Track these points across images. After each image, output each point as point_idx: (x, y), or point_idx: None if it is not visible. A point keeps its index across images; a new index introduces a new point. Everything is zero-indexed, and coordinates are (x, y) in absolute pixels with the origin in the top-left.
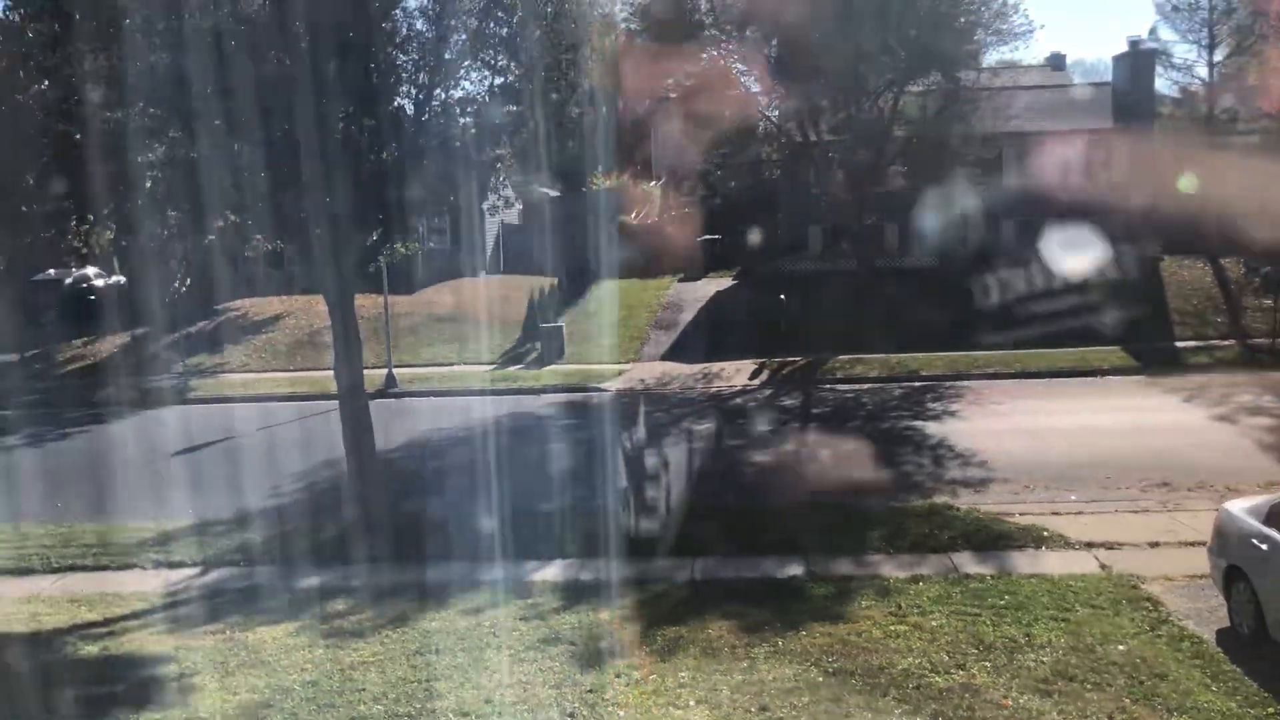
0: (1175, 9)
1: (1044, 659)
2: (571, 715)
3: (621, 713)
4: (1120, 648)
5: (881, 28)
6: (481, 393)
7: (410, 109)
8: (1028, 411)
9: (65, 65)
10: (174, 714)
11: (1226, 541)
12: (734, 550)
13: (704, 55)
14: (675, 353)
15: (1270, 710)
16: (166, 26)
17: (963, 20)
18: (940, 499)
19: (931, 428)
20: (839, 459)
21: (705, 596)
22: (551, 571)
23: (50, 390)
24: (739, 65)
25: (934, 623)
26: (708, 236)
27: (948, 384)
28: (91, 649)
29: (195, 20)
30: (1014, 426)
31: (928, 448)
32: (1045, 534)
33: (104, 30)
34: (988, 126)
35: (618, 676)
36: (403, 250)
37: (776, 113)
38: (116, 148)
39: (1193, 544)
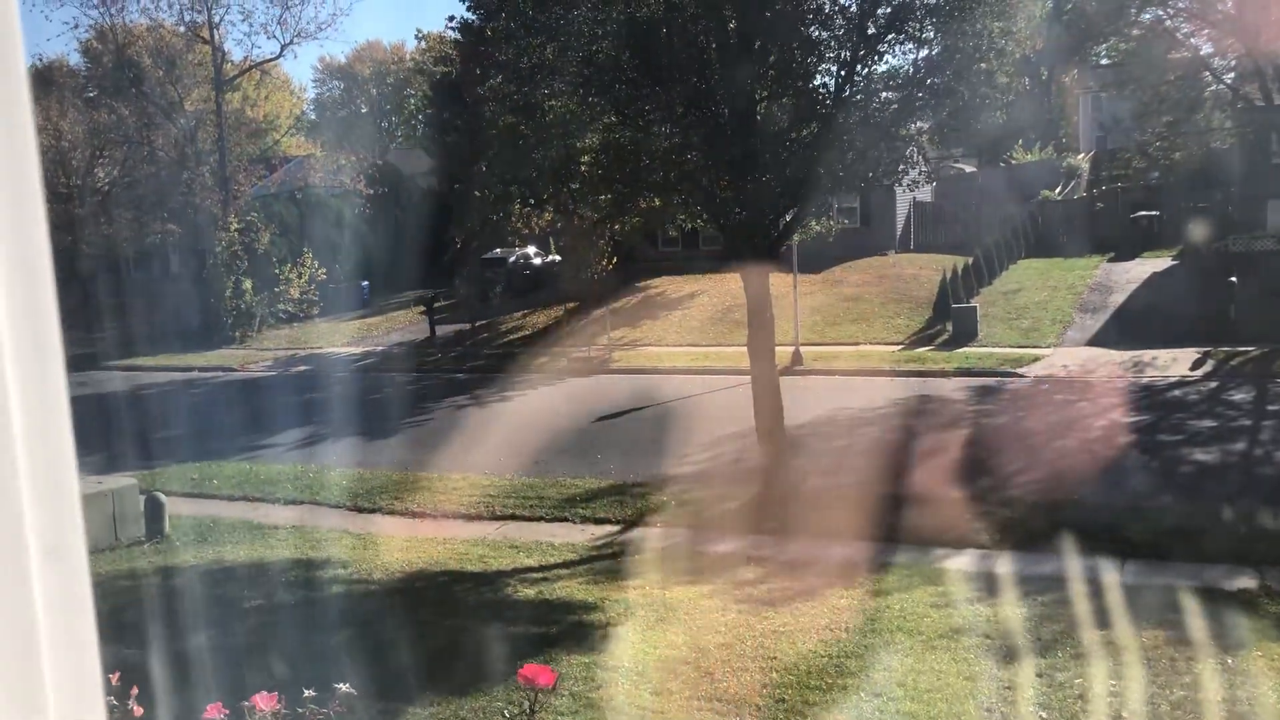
0: None
1: None
2: (989, 710)
3: (1044, 713)
4: None
5: None
6: (888, 373)
7: (831, 85)
8: None
9: (517, 59)
10: (602, 659)
11: None
12: (1170, 555)
13: (1145, 15)
14: (1102, 338)
15: None
16: (606, 16)
17: None
18: None
19: None
20: None
21: (1131, 601)
22: (962, 560)
23: (493, 357)
24: (1185, 25)
25: None
26: (1142, 213)
27: None
28: (529, 591)
29: (632, 8)
30: None
31: None
32: None
33: (553, 24)
34: None
35: (1038, 676)
36: (817, 228)
37: (1231, 75)
38: (557, 135)
39: None
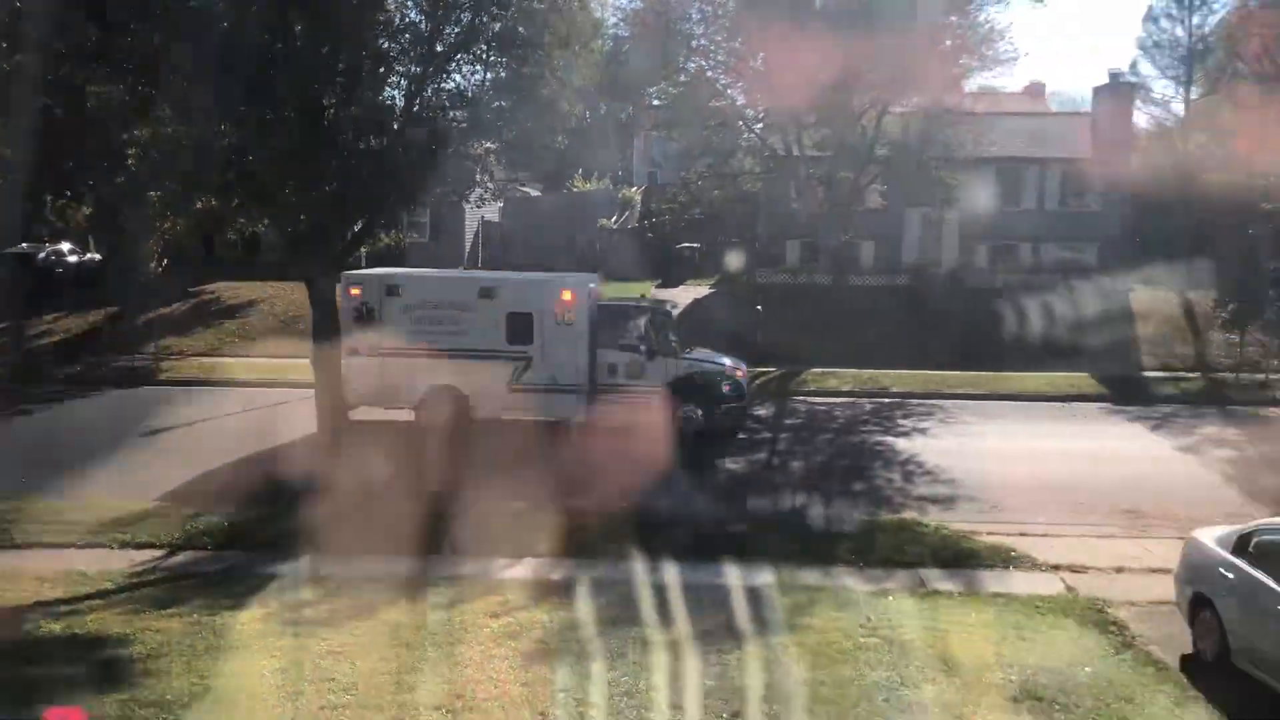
0: (1156, 45)
1: (1012, 677)
2: (543, 714)
3: (593, 712)
4: (1087, 669)
5: (869, 46)
6: None
7: (400, 100)
8: (997, 433)
9: (56, 37)
10: (141, 695)
11: (1193, 570)
12: (701, 557)
13: (690, 64)
14: None
15: None
16: (159, 4)
17: (949, 43)
18: (909, 514)
19: (901, 444)
20: (808, 471)
21: (669, 599)
22: (521, 570)
23: (13, 366)
24: (723, 77)
25: (904, 637)
26: (686, 245)
27: (917, 401)
28: (54, 626)
29: None
30: (983, 447)
31: (897, 463)
32: (1013, 554)
33: (97, 4)
34: (968, 150)
35: (586, 679)
36: (386, 240)
37: (760, 125)
38: (101, 124)
39: (1158, 570)
